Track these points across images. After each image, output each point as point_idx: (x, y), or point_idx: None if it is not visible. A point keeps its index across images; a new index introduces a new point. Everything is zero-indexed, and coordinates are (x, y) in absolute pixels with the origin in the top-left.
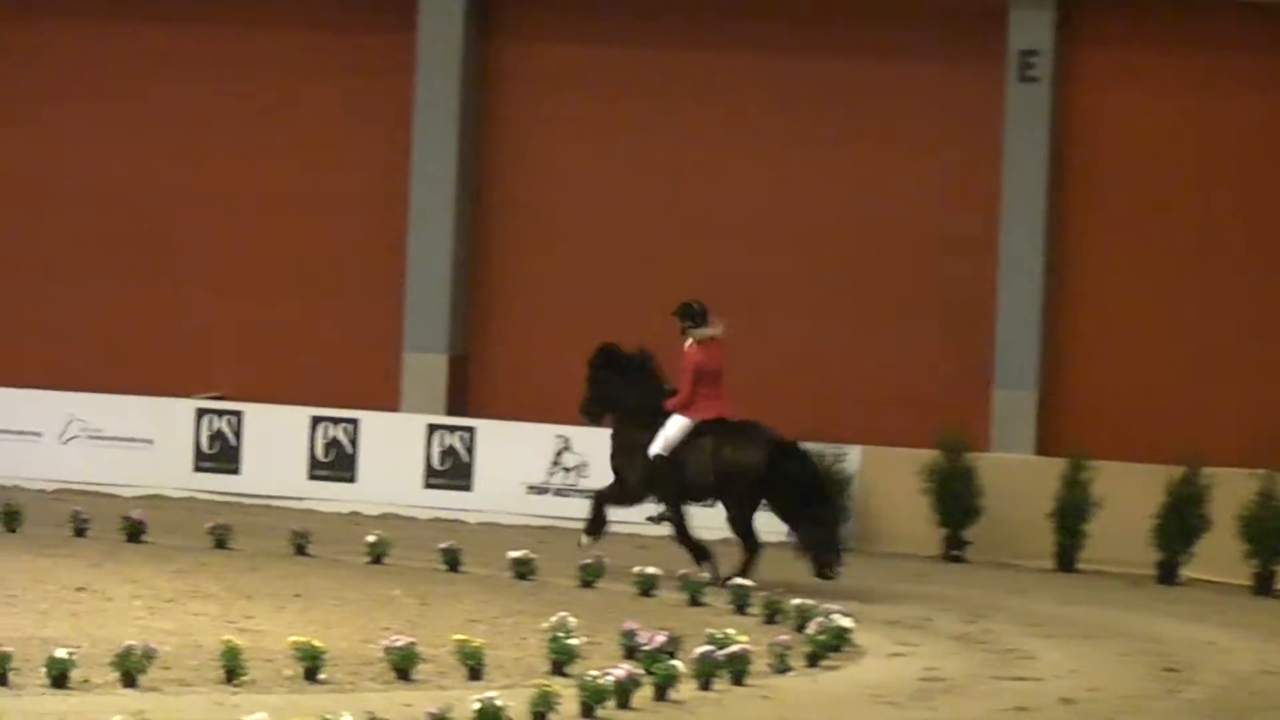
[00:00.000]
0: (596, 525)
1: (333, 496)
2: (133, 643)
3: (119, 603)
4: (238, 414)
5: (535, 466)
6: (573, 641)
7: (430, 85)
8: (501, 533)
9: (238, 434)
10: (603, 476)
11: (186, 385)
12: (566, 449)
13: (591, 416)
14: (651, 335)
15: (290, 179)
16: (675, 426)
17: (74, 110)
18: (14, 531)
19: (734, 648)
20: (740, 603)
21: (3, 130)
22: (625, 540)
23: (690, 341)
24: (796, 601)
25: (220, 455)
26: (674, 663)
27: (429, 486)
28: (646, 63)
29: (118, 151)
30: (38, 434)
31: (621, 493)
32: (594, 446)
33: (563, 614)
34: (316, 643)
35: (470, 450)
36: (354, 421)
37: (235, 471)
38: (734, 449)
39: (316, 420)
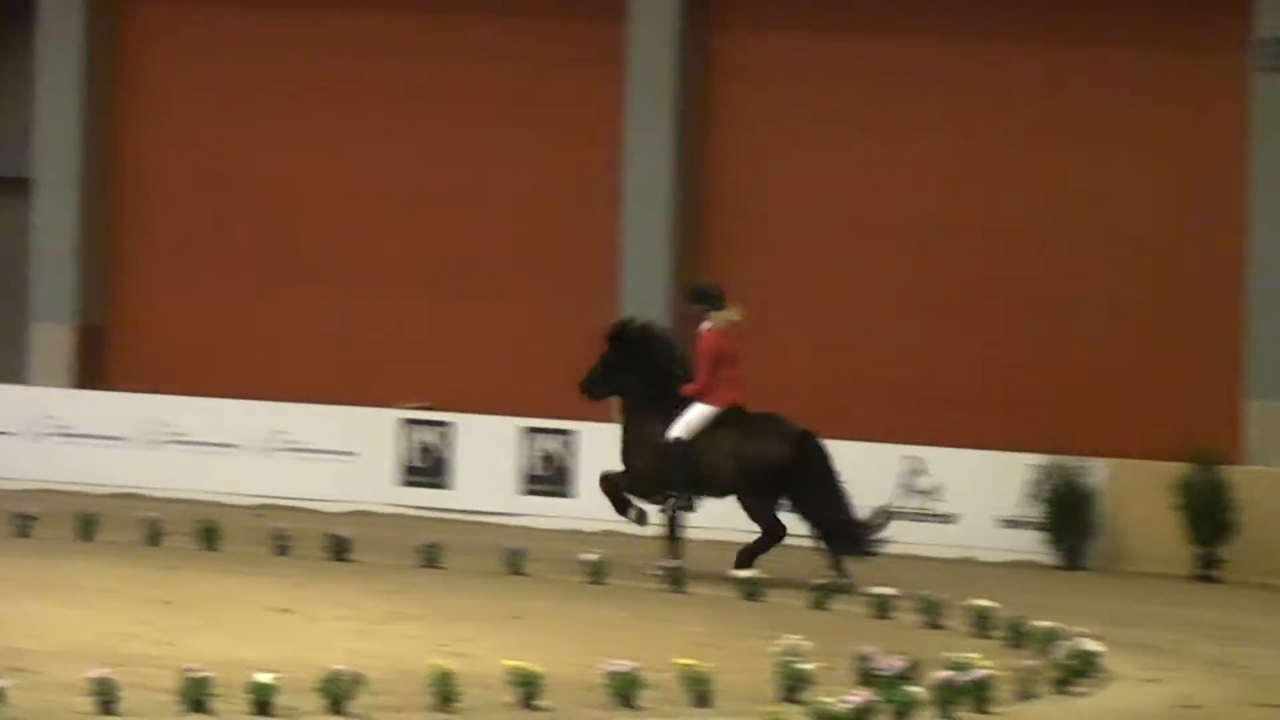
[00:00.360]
0: (624, 506)
1: (548, 512)
2: (339, 667)
3: (324, 625)
4: (447, 425)
5: None
6: (805, 666)
7: (642, 78)
8: (730, 551)
9: (447, 446)
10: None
11: (392, 395)
12: None
13: (593, 397)
14: (880, 340)
15: (498, 175)
16: (697, 413)
17: (265, 104)
18: (213, 550)
19: (976, 673)
20: (982, 625)
21: (188, 127)
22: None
23: (708, 325)
24: (1041, 624)
25: (429, 469)
26: (913, 689)
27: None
28: (869, 53)
29: (312, 149)
30: (237, 446)
31: (638, 488)
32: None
33: (794, 637)
34: (533, 667)
35: None
36: (571, 433)
37: (445, 486)
38: (758, 443)
39: (530, 432)
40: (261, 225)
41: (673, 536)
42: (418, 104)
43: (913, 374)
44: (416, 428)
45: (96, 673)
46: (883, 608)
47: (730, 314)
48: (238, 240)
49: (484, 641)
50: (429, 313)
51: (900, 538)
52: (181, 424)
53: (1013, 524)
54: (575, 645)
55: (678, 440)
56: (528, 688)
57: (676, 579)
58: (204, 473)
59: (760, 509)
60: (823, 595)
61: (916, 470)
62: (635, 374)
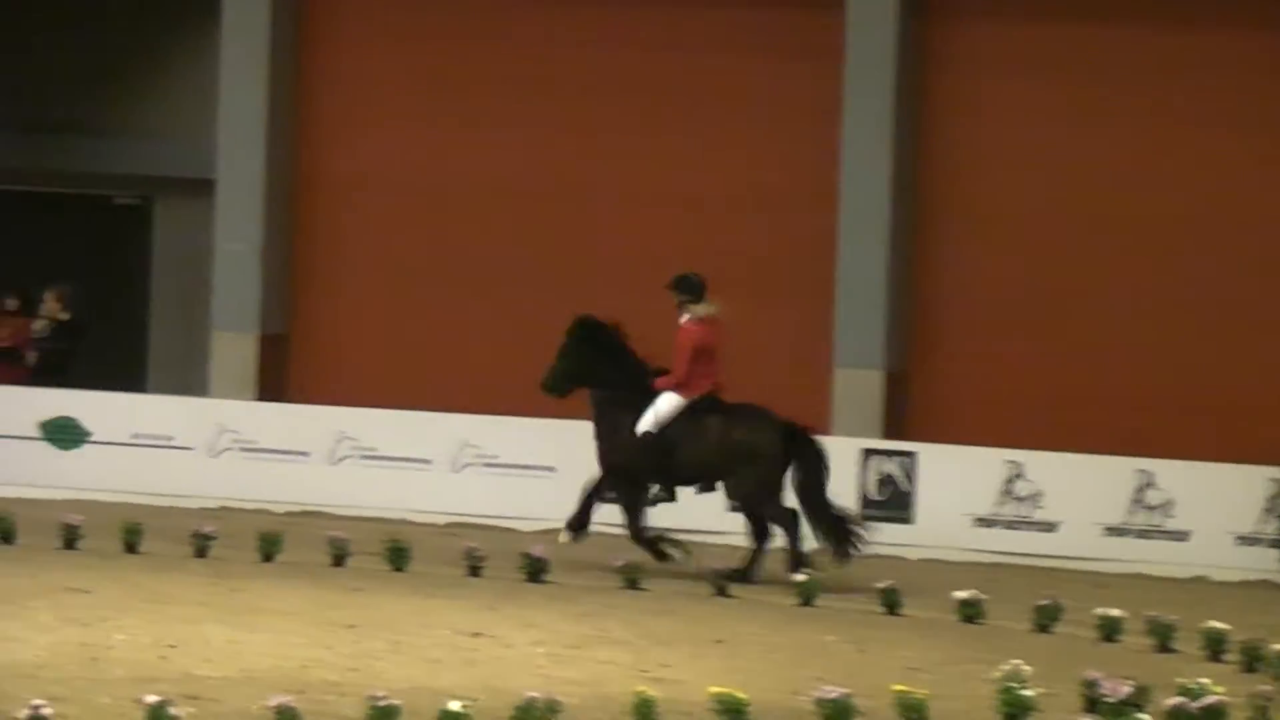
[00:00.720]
0: (581, 521)
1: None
2: (534, 694)
3: (519, 650)
4: None
5: (983, 496)
6: (1027, 693)
7: (861, 69)
8: (945, 570)
9: None
10: (1059, 505)
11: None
12: (1019, 476)
13: (559, 392)
14: (1107, 345)
15: (706, 173)
16: (667, 404)
17: (456, 103)
18: (401, 570)
19: (1209, 699)
20: (1215, 649)
21: (375, 128)
22: (1082, 577)
23: (688, 317)
24: (1278, 648)
25: None
26: (1142, 716)
27: (864, 518)
28: (1089, 41)
29: (503, 148)
30: (427, 461)
31: (615, 484)
32: (1049, 474)
33: (1015, 662)
34: (739, 694)
35: (910, 477)
36: None
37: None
38: (744, 430)
39: None
40: (451, 228)
41: (645, 540)
42: (621, 100)
43: (1142, 381)
44: None
45: (277, 700)
46: (1110, 630)
47: (711, 307)
48: (425, 244)
49: (686, 667)
50: (630, 318)
51: (1128, 556)
52: (368, 437)
53: (1248, 541)
54: (783, 671)
55: (647, 434)
56: (733, 715)
57: (891, 601)
58: (392, 489)
59: (756, 497)
60: (1045, 617)
61: (1146, 484)
62: (600, 367)
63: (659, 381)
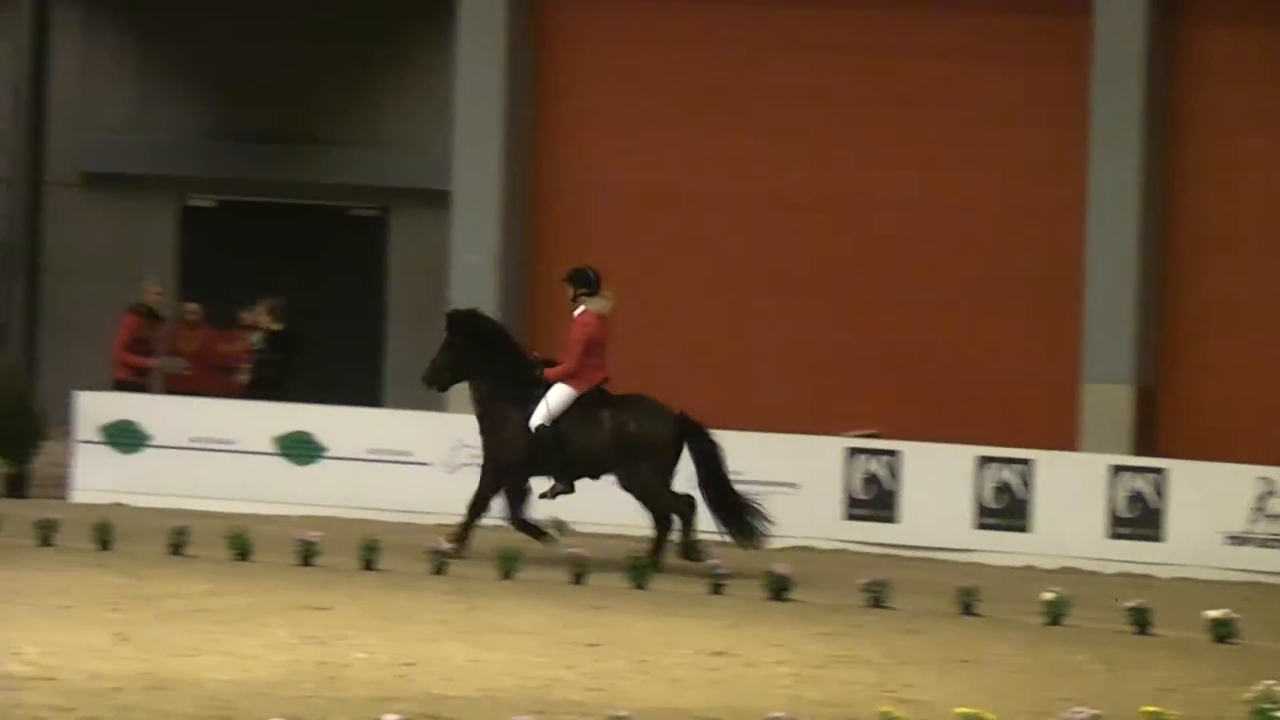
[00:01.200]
0: (535, 531)
1: (1003, 548)
2: (779, 714)
3: (762, 669)
4: (895, 454)
5: (1235, 513)
6: None
7: (1109, 76)
8: (1197, 589)
9: (895, 477)
10: None
11: (835, 422)
12: (1272, 493)
13: (439, 386)
14: None
15: (951, 182)
16: (558, 396)
17: (697, 107)
18: (642, 588)
19: None
20: None
21: (614, 133)
22: None
23: (583, 309)
24: None
25: (875, 501)
26: None
27: (1113, 537)
28: None
29: (748, 156)
30: None
31: (504, 479)
32: None
33: (1269, 682)
34: (987, 715)
35: (1161, 495)
36: (1027, 462)
37: (892, 519)
38: (638, 423)
39: (984, 461)
40: (693, 235)
41: (525, 525)
42: (865, 108)
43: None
44: (862, 457)
45: None
46: None
47: (607, 299)
48: (667, 252)
49: (934, 688)
50: (874, 333)
51: (1255, 566)
52: None
53: None
54: (1031, 691)
55: (541, 428)
56: None
57: (1141, 621)
58: (632, 504)
59: (653, 488)
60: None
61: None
62: (483, 360)
63: (549, 373)
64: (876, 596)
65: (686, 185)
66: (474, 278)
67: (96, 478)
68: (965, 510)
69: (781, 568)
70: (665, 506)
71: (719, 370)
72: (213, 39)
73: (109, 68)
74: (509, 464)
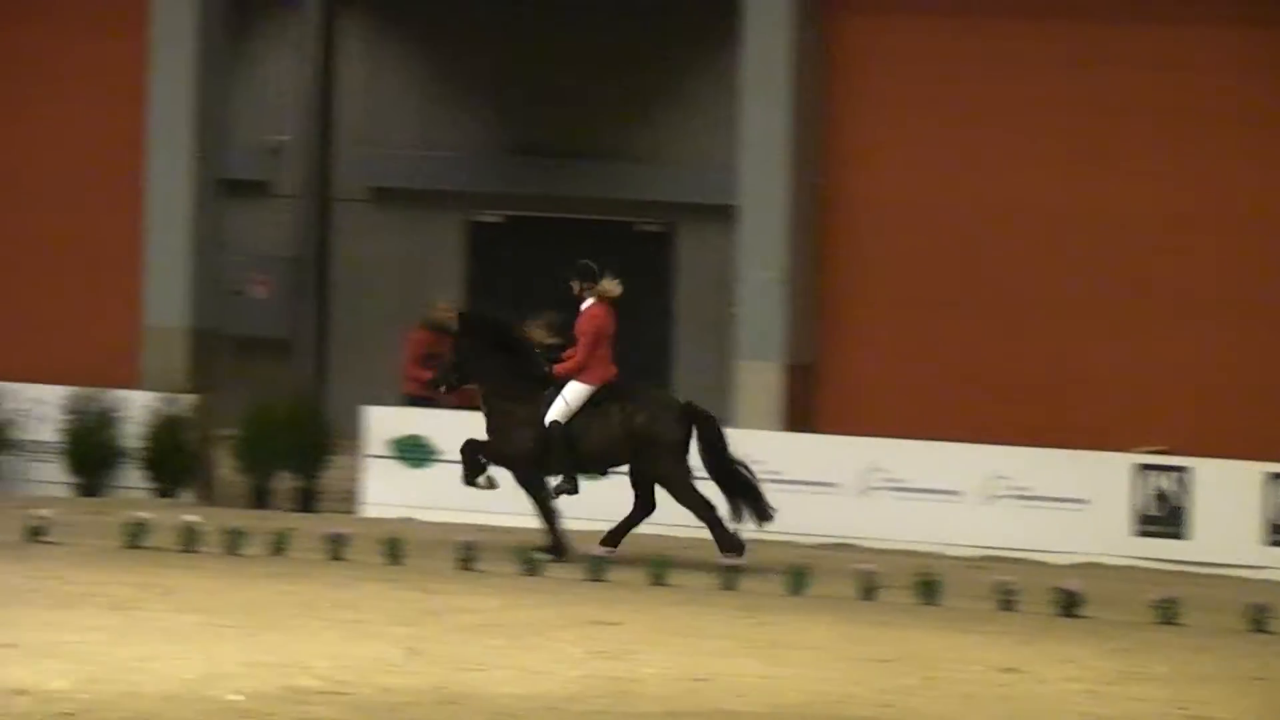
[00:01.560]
0: (475, 473)
1: None
2: None
3: (1054, 686)
4: (1185, 471)
5: None
6: None
7: None
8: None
9: (1185, 494)
10: None
11: (1125, 438)
12: None
13: (448, 388)
14: None
15: (1230, 195)
16: (574, 393)
17: (983, 124)
18: (931, 604)
19: None
20: None
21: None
22: None
23: (591, 301)
24: None
25: (1165, 517)
26: None
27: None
28: None
29: (1029, 172)
30: (957, 493)
31: (516, 477)
32: None
33: None
34: None
35: None
36: None
37: (1182, 536)
38: (647, 414)
39: (1276, 478)
40: (979, 255)
41: (550, 522)
42: (1142, 122)
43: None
44: (1152, 473)
45: None
46: None
47: (611, 288)
48: (954, 270)
49: (1225, 705)
50: (1162, 347)
51: None
52: (897, 469)
53: None
54: None
55: (555, 424)
56: None
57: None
58: (921, 521)
59: (675, 477)
60: None
61: None
62: (492, 359)
63: (559, 369)
64: (1167, 613)
65: (972, 202)
66: (762, 294)
67: (385, 492)
68: (1255, 527)
69: (1072, 584)
70: (684, 504)
71: (1006, 385)
72: (498, 55)
73: (396, 82)
74: (513, 462)
